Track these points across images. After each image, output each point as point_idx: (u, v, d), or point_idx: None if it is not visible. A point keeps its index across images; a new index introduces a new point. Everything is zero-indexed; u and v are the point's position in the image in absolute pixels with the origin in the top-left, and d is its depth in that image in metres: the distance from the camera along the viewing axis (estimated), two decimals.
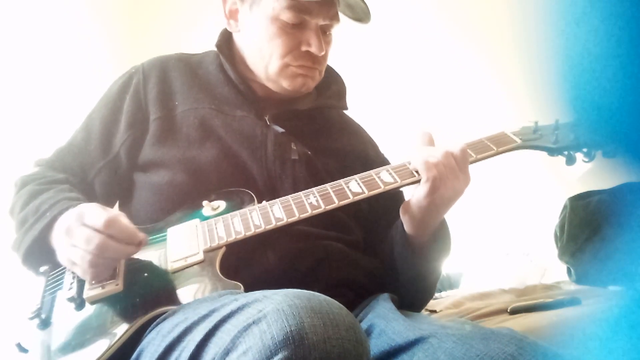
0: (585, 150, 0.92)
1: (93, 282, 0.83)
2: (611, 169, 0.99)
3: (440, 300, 1.86)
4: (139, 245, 0.83)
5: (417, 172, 0.89)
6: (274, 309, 0.57)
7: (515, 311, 1.31)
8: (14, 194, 1.00)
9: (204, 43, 1.14)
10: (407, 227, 0.92)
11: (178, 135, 1.01)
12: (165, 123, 1.02)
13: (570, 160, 0.94)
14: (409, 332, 0.74)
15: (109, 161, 1.04)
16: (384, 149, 1.21)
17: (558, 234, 1.80)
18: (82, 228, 0.80)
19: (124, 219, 0.82)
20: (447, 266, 2.43)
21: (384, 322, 0.80)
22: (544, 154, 0.97)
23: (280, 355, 0.53)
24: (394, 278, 0.97)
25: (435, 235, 0.93)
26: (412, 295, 0.97)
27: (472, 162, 0.92)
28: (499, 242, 2.43)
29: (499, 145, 0.95)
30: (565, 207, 1.80)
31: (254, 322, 0.57)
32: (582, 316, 1.14)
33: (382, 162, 1.14)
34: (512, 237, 2.42)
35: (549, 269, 2.07)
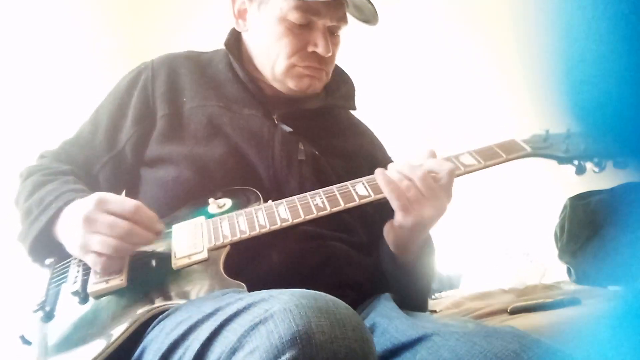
0: (596, 160, 0.91)
1: (98, 275, 0.83)
2: (611, 169, 0.98)
3: (440, 300, 1.86)
4: (159, 233, 0.84)
5: None
6: (281, 308, 0.57)
7: (515, 311, 1.31)
8: (19, 184, 1.01)
9: (213, 42, 1.14)
10: (392, 246, 0.92)
11: (185, 132, 1.01)
12: (173, 120, 1.02)
13: (580, 170, 0.92)
14: (411, 330, 0.74)
15: (114, 156, 1.04)
16: (392, 151, 1.21)
17: (558, 234, 1.81)
18: (105, 215, 0.80)
19: (145, 207, 0.84)
20: (447, 266, 2.43)
21: (387, 320, 0.80)
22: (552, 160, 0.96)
23: (287, 355, 0.53)
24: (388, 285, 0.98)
25: (420, 253, 0.93)
26: (406, 305, 0.98)
27: (480, 169, 0.92)
28: (499, 242, 2.43)
29: (509, 152, 0.94)
30: (565, 207, 1.80)
31: (260, 322, 0.57)
32: (582, 316, 1.14)
33: (389, 163, 1.15)
34: (512, 237, 2.42)
35: (549, 269, 2.07)
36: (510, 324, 1.14)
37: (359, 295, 0.95)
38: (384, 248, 0.95)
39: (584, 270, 1.67)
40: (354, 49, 1.46)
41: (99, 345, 0.75)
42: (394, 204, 0.84)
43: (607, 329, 0.35)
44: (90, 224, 0.81)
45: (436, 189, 0.84)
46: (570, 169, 0.95)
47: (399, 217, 0.85)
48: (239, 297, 0.66)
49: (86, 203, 0.83)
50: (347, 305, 0.61)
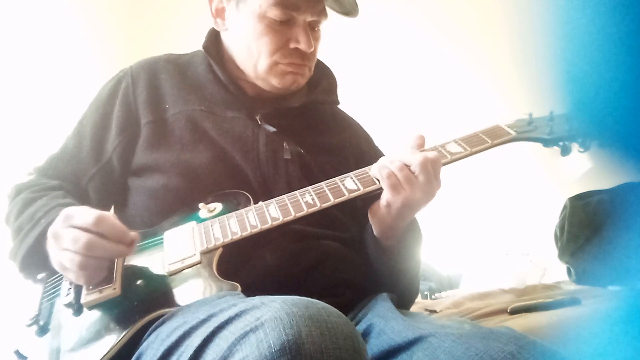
0: (580, 140, 0.91)
1: (90, 287, 0.82)
2: (611, 169, 0.98)
3: (440, 300, 1.86)
4: (131, 244, 0.82)
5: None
6: (272, 317, 0.56)
7: (515, 311, 1.31)
8: (8, 202, 1.00)
9: (193, 43, 1.13)
10: (376, 230, 0.92)
11: (171, 138, 1.00)
12: (157, 127, 1.02)
13: (566, 151, 0.92)
14: (408, 331, 0.74)
15: (101, 167, 1.03)
16: (378, 142, 1.21)
17: (558, 234, 1.80)
18: (69, 229, 0.79)
19: (114, 218, 0.82)
20: (447, 266, 2.43)
21: (383, 321, 0.80)
22: (545, 152, 0.96)
23: None
24: (375, 277, 0.98)
25: (404, 235, 0.93)
26: (397, 294, 0.97)
27: (467, 156, 0.92)
28: (499, 242, 2.43)
29: (494, 138, 0.94)
30: (565, 207, 1.79)
31: (251, 330, 0.56)
32: (582, 316, 1.14)
33: (375, 155, 1.14)
34: (512, 237, 2.42)
35: (549, 269, 2.07)
36: (509, 324, 1.14)
37: (356, 293, 0.95)
38: (368, 232, 0.96)
39: (584, 270, 1.67)
40: (338, 42, 1.45)
41: (95, 354, 0.75)
42: (384, 183, 0.85)
43: (607, 329, 0.34)
44: (57, 240, 0.80)
45: (431, 174, 0.85)
46: (568, 168, 0.95)
47: (387, 196, 0.86)
48: (232, 302, 0.66)
49: (57, 219, 0.82)
50: (340, 313, 0.60)
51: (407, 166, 0.86)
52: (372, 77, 2.57)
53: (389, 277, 0.96)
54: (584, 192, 1.76)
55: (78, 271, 0.79)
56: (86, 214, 0.80)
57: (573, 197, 1.78)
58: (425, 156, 0.85)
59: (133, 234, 0.83)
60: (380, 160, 0.89)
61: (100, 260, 0.81)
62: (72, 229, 0.79)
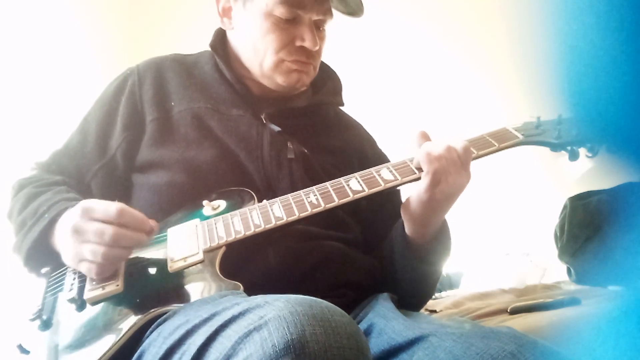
0: (588, 145, 0.90)
1: (93, 282, 0.83)
2: (611, 169, 0.98)
3: (440, 300, 1.86)
4: (151, 232, 0.83)
5: (418, 169, 0.88)
6: (276, 315, 0.57)
7: (515, 311, 1.31)
8: (11, 197, 1.00)
9: (199, 43, 1.14)
10: (408, 227, 0.91)
11: (176, 135, 1.01)
12: (162, 124, 1.02)
13: (574, 156, 0.91)
14: (408, 331, 0.74)
15: (105, 163, 1.04)
16: (382, 144, 1.21)
17: (558, 234, 1.80)
18: (92, 223, 0.80)
19: (131, 208, 0.83)
20: (447, 266, 2.43)
21: (384, 321, 0.80)
22: (545, 152, 0.95)
23: None
24: (393, 278, 0.97)
25: (436, 237, 0.92)
26: (412, 296, 0.97)
27: (473, 159, 0.91)
28: (499, 242, 2.44)
29: (501, 141, 0.93)
30: (565, 207, 1.80)
31: (255, 329, 0.56)
32: (582, 316, 1.14)
33: (378, 157, 1.15)
34: (512, 237, 2.42)
35: (549, 269, 2.08)
36: (510, 324, 1.14)
37: (358, 294, 0.95)
38: (397, 231, 0.95)
39: (584, 270, 1.67)
40: (341, 45, 1.46)
41: (97, 350, 0.75)
42: (425, 169, 0.84)
43: (607, 329, 0.34)
44: (79, 234, 0.80)
45: (458, 164, 0.85)
46: (568, 168, 0.94)
47: (421, 187, 0.85)
48: (235, 301, 0.66)
49: (73, 213, 0.82)
50: (343, 312, 0.61)
51: (454, 149, 0.85)
52: (375, 79, 2.57)
53: (412, 279, 0.95)
54: (584, 192, 1.76)
55: (99, 263, 0.80)
56: (106, 207, 0.81)
57: (573, 197, 1.78)
58: (449, 145, 0.85)
59: (152, 221, 0.84)
60: (423, 148, 0.86)
61: (123, 250, 0.81)
62: (95, 222, 0.80)
